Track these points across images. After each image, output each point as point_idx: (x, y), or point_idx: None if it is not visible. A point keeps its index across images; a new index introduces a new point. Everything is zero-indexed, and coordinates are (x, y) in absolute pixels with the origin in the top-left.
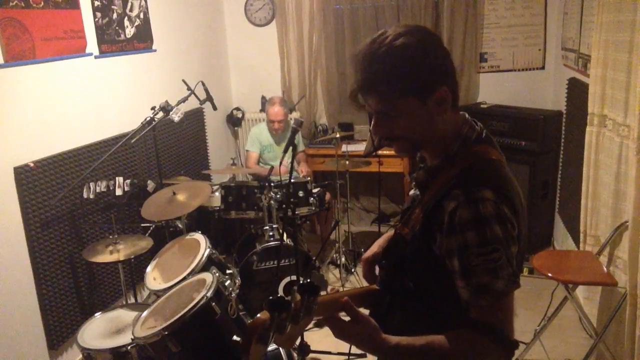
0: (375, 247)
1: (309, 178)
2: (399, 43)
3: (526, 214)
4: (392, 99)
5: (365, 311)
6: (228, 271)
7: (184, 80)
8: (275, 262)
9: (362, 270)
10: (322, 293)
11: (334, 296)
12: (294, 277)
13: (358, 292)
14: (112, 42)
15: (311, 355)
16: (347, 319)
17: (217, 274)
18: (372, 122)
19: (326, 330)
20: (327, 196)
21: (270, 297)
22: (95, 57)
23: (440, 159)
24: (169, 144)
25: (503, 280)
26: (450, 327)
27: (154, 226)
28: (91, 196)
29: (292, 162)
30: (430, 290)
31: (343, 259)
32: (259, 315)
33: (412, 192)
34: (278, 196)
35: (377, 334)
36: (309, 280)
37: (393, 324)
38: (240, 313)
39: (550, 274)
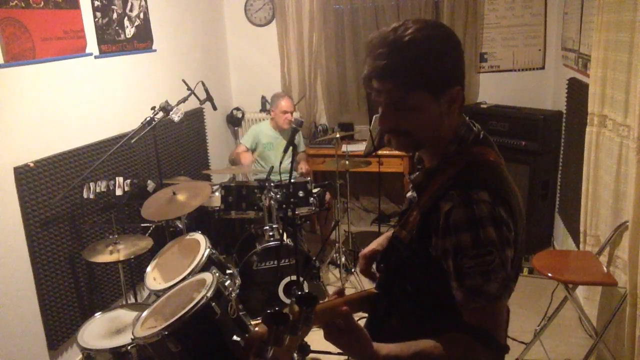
0: (374, 245)
1: (309, 178)
2: (424, 34)
3: (524, 216)
4: (407, 89)
5: (363, 318)
6: (228, 271)
7: (184, 80)
8: (275, 262)
9: (359, 266)
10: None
11: (333, 303)
12: (294, 277)
13: (356, 296)
14: (112, 42)
15: (311, 355)
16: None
17: (217, 274)
18: (380, 113)
19: None
20: (327, 196)
21: (268, 311)
22: (95, 57)
23: (438, 160)
24: (169, 144)
25: (496, 284)
26: (447, 331)
27: (154, 226)
28: (91, 196)
29: (292, 162)
30: (428, 294)
31: (343, 259)
32: (256, 329)
33: (409, 193)
34: (278, 196)
35: (369, 347)
36: (307, 291)
37: (391, 327)
38: (240, 313)
39: (550, 274)
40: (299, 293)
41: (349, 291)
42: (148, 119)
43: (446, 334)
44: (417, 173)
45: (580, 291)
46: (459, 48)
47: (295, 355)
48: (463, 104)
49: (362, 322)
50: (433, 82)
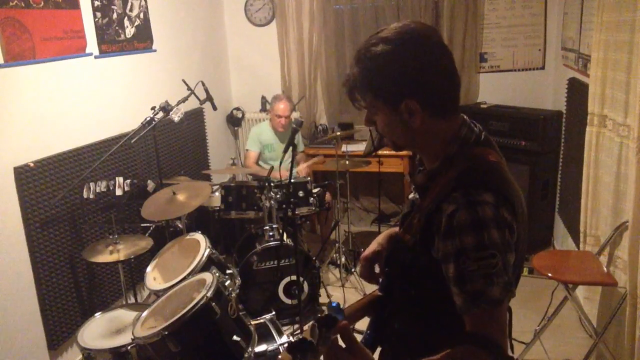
0: (374, 246)
1: (309, 178)
2: (374, 51)
3: (527, 218)
4: (368, 99)
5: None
6: (228, 271)
7: (184, 80)
8: (275, 262)
9: (360, 269)
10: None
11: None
12: (294, 277)
13: (364, 301)
14: (112, 42)
15: None
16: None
17: (217, 274)
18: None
19: None
20: (327, 196)
21: (292, 340)
22: (95, 57)
23: (439, 161)
24: (169, 144)
25: (498, 288)
26: (450, 335)
27: (154, 226)
28: (91, 196)
29: (292, 162)
30: (431, 297)
31: (343, 259)
32: (280, 357)
33: (411, 195)
34: (278, 196)
35: None
36: (327, 313)
37: (394, 330)
38: (240, 313)
39: (550, 274)
40: (320, 316)
41: (348, 291)
42: (148, 119)
43: (449, 349)
44: (419, 174)
45: (580, 291)
46: (418, 60)
47: None
48: (432, 114)
49: (364, 323)
50: (385, 94)
